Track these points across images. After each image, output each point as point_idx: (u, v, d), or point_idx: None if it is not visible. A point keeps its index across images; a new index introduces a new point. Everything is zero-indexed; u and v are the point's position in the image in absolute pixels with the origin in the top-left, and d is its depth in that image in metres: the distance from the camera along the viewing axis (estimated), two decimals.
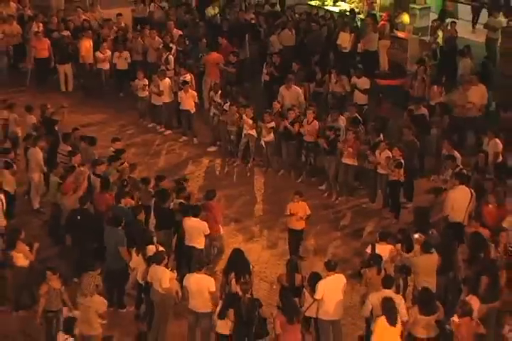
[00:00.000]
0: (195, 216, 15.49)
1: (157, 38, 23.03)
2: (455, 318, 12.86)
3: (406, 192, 17.84)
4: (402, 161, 17.19)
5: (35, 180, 17.47)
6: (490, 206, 15.60)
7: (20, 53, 24.15)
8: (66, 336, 12.68)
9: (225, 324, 13.28)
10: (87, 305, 13.40)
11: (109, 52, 22.68)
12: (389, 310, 12.81)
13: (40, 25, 23.71)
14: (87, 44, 22.94)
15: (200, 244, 15.61)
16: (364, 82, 20.88)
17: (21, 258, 14.66)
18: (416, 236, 14.76)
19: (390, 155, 17.20)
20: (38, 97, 21.82)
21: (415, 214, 16.58)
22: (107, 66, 22.82)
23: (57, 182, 16.76)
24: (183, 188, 16.26)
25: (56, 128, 19.01)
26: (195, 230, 15.51)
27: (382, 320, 12.79)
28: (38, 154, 17.49)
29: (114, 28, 24.08)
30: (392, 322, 12.75)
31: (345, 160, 18.06)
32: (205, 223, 15.48)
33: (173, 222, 15.81)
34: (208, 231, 15.51)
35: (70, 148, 17.71)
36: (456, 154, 17.42)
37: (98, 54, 22.70)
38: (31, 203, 17.76)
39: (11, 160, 17.13)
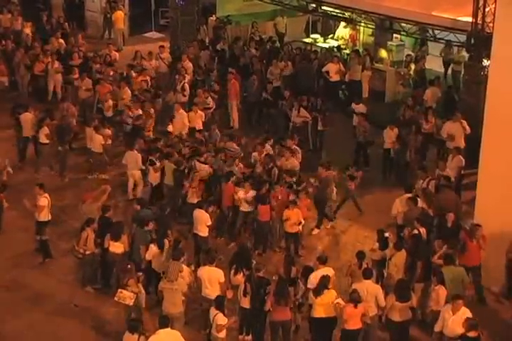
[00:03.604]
0: (201, 208, 15.63)
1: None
2: (340, 301, 13.01)
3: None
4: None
5: (135, 176, 17.85)
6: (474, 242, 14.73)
7: None
8: (216, 312, 12.76)
9: (247, 300, 13.41)
10: (175, 287, 13.39)
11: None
12: (320, 283, 13.12)
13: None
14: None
15: (203, 232, 15.64)
16: (361, 108, 20.84)
17: (120, 247, 14.79)
18: (386, 234, 14.84)
19: (254, 194, 16.47)
20: None
21: None
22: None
23: (173, 168, 17.31)
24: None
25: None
26: (199, 220, 15.58)
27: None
28: (136, 155, 17.90)
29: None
30: (315, 294, 13.08)
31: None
32: (207, 215, 15.53)
33: None
34: (210, 222, 15.56)
35: (235, 145, 18.50)
36: None
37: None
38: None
39: (154, 159, 17.62)
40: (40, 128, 19.34)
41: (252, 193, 16.48)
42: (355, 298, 12.83)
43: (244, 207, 16.63)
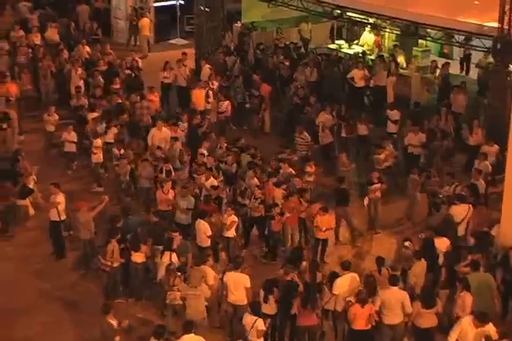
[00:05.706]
0: (202, 218, 15.60)
1: None
2: (351, 298, 13.11)
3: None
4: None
5: None
6: None
7: None
8: (254, 318, 12.75)
9: (268, 306, 13.36)
10: (198, 293, 13.47)
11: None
12: (368, 285, 13.22)
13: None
14: (198, 93, 22.34)
15: (203, 243, 15.60)
16: (395, 114, 20.78)
17: (141, 257, 14.92)
18: (406, 243, 14.79)
19: (236, 220, 16.03)
20: None
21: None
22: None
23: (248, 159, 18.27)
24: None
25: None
26: (199, 231, 15.56)
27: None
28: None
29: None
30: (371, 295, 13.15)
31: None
32: (207, 225, 15.44)
33: None
34: (210, 233, 15.47)
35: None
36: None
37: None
38: None
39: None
40: (108, 129, 19.59)
41: (233, 218, 15.97)
42: (362, 298, 12.85)
43: (227, 234, 16.03)
